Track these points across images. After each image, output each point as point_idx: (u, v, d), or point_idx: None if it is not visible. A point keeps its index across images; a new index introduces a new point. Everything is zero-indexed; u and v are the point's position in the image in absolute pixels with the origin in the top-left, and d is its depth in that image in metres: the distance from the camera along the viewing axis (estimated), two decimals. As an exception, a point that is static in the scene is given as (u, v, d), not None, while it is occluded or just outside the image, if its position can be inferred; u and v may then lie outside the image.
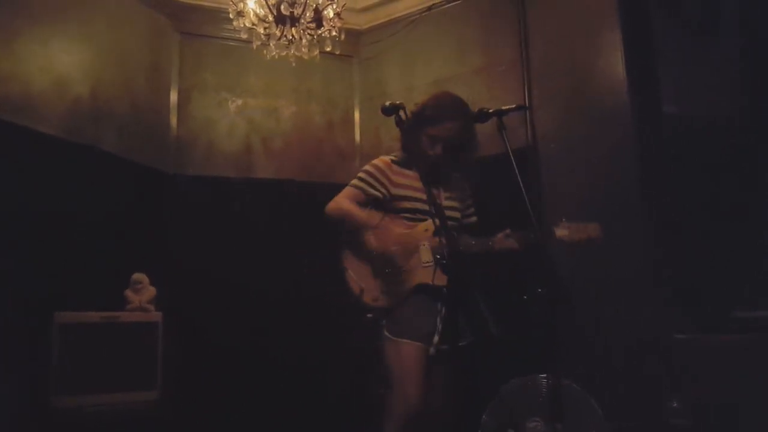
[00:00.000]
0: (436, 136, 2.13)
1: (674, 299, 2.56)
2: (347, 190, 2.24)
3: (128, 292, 3.00)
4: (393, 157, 2.25)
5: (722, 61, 2.69)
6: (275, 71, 3.88)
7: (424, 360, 2.04)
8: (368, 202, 2.23)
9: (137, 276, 3.03)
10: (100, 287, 2.93)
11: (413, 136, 2.14)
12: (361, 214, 2.19)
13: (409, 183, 2.17)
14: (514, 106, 2.05)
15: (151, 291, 3.04)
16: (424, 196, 2.04)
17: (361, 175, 2.25)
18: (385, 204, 2.21)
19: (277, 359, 3.45)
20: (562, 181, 3.05)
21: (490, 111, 2.03)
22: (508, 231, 2.09)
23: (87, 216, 2.96)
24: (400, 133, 1.89)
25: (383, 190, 2.20)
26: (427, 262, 2.11)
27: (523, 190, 1.90)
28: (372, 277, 2.14)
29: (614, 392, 2.46)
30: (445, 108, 2.14)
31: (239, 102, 3.89)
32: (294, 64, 3.37)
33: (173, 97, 3.71)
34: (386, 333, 2.09)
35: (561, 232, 2.09)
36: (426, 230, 2.12)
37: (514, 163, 1.94)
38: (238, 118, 3.87)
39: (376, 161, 2.25)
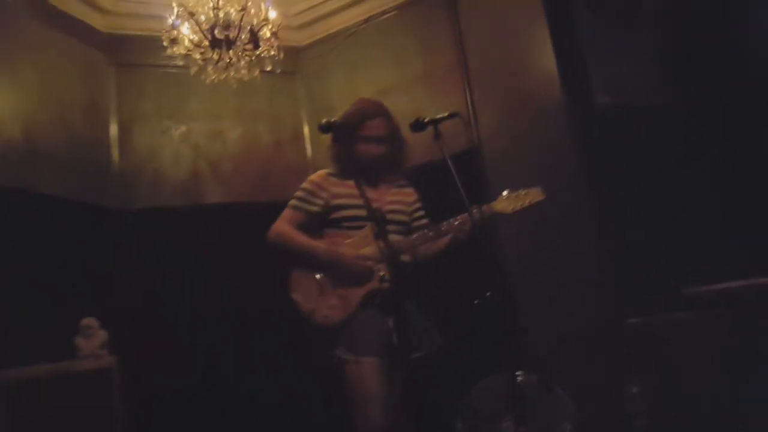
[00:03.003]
0: (368, 135, 2.19)
1: (623, 284, 2.61)
2: (286, 213, 2.25)
3: (79, 340, 2.86)
4: (328, 171, 2.28)
5: (645, 50, 2.80)
6: (217, 94, 3.81)
7: (383, 375, 2.03)
8: (311, 220, 2.23)
9: (86, 321, 2.89)
10: (47, 338, 2.76)
11: (346, 146, 2.20)
12: (301, 237, 2.18)
13: (347, 191, 2.19)
14: (446, 114, 2.07)
15: (101, 335, 2.90)
16: (362, 202, 2.04)
17: (298, 193, 2.25)
18: (325, 216, 2.21)
19: (243, 392, 3.36)
20: (507, 178, 3.07)
21: (426, 121, 2.05)
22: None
23: (28, 263, 2.82)
24: (330, 148, 1.90)
25: (322, 203, 2.21)
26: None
27: (461, 190, 1.92)
28: (319, 295, 2.12)
29: (572, 382, 2.49)
30: (364, 109, 2.23)
31: (183, 128, 3.81)
32: (236, 86, 3.34)
33: (113, 130, 3.62)
34: (342, 354, 2.06)
35: (499, 205, 2.11)
36: (366, 237, 2.13)
37: (452, 168, 1.96)
38: (182, 145, 3.79)
39: (311, 177, 2.29)
